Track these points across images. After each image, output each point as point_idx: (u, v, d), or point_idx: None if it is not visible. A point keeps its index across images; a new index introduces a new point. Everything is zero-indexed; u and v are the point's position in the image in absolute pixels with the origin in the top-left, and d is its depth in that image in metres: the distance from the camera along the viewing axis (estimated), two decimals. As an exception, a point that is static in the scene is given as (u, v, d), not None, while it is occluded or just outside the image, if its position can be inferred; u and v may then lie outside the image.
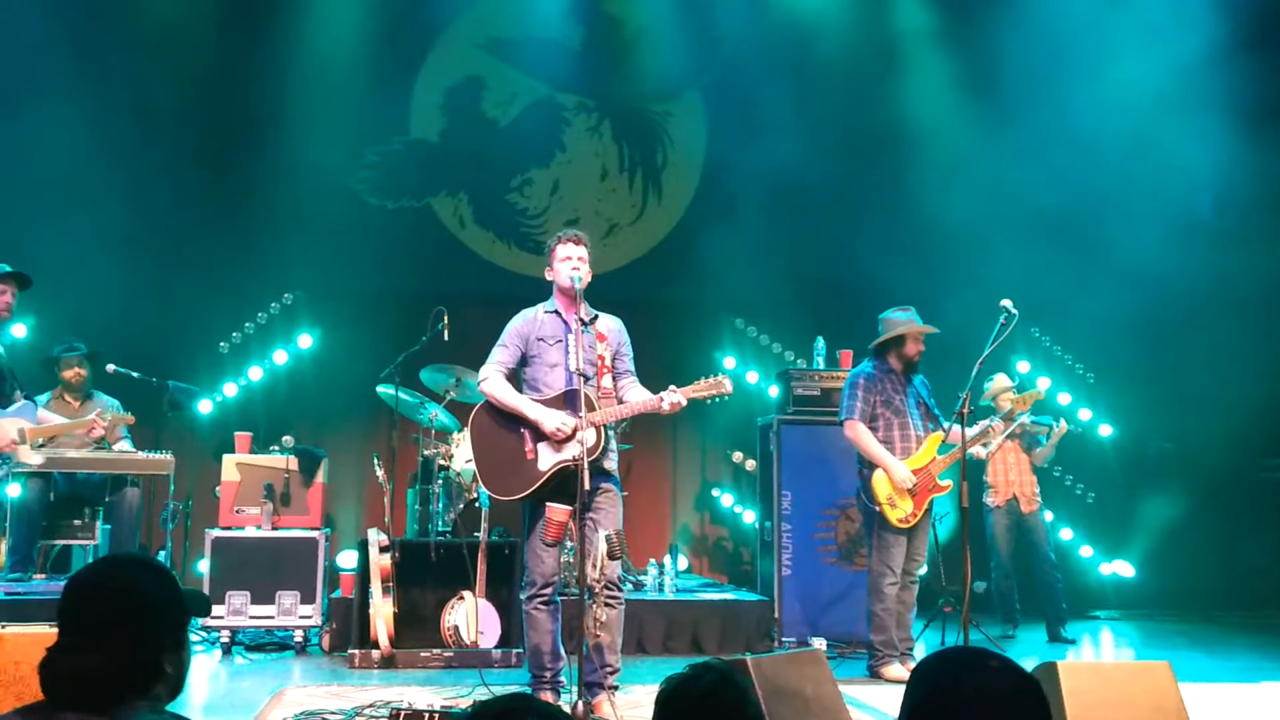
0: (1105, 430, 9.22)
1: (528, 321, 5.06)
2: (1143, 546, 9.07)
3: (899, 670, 5.89)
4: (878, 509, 5.93)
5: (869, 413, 6.04)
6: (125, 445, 7.04)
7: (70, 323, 7.60)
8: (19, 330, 8.08)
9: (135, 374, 7.14)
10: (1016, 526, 7.60)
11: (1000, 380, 7.60)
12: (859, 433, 6.02)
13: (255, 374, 8.58)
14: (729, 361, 9.03)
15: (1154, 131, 8.38)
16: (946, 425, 5.96)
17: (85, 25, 8.01)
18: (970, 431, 5.93)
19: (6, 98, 7.90)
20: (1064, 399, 9.12)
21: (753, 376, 9.07)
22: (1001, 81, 8.81)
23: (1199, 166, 8.60)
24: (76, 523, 6.86)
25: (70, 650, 2.01)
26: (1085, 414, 9.13)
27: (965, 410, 5.49)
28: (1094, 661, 6.79)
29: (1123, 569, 9.11)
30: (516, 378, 5.07)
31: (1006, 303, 5.49)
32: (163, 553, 7.20)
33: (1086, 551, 9.17)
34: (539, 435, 4.84)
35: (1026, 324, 8.49)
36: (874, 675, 5.97)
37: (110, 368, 7.10)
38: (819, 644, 6.73)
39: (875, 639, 5.99)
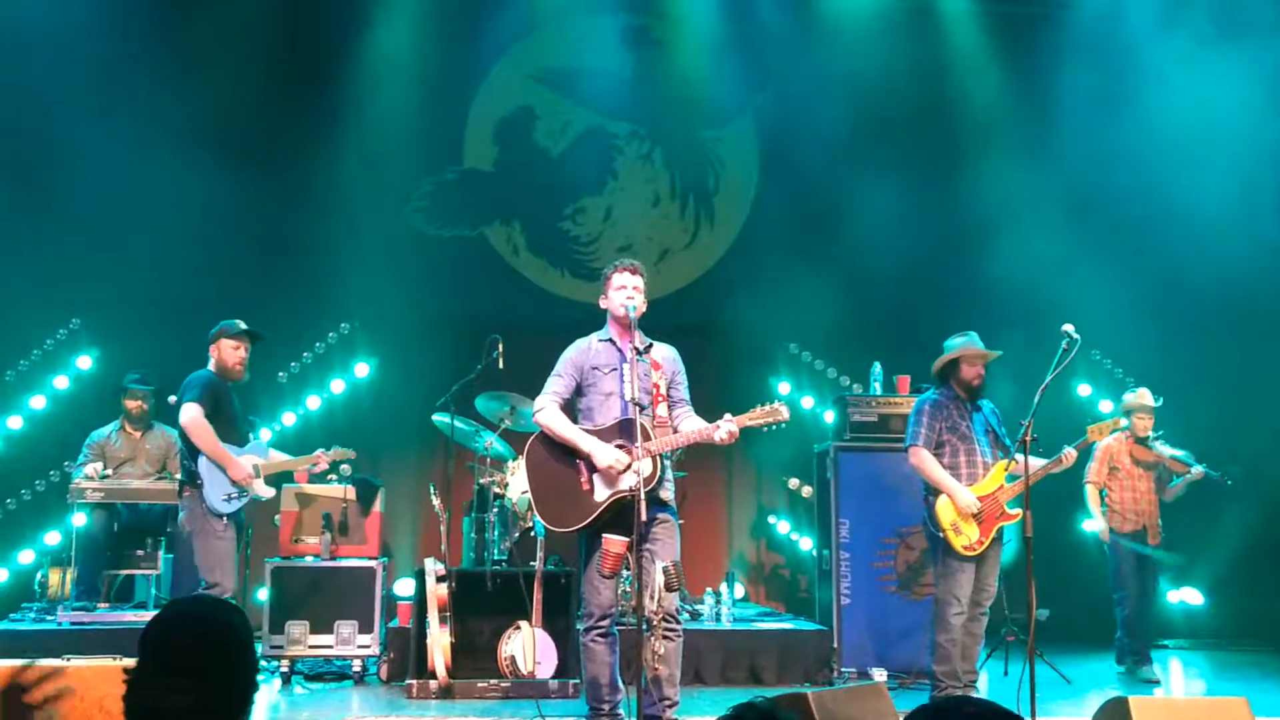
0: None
1: (582, 351, 5.06)
2: (1211, 573, 8.83)
3: None
4: (942, 535, 5.82)
5: (934, 439, 5.94)
6: (186, 476, 7.12)
7: (132, 354, 7.73)
8: (84, 362, 8.28)
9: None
10: (1141, 558, 7.32)
11: (1142, 395, 7.41)
12: (923, 459, 5.92)
13: (313, 403, 8.66)
14: (784, 387, 8.97)
15: (1215, 148, 8.21)
16: (1015, 454, 5.81)
17: (142, 55, 8.16)
18: (1039, 461, 5.82)
19: (72, 132, 8.05)
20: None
21: (808, 402, 9.00)
22: (1058, 101, 8.72)
23: (1261, 181, 8.43)
24: (139, 553, 6.97)
25: (159, 688, 2.03)
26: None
27: (1028, 438, 5.39)
28: (1167, 697, 6.61)
29: (1191, 596, 8.88)
30: (571, 407, 5.05)
31: (1069, 327, 5.40)
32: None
33: (1153, 579, 8.95)
34: (594, 466, 4.83)
35: (1087, 347, 8.37)
36: None
37: (172, 399, 7.18)
38: (879, 675, 6.64)
39: (938, 669, 5.86)
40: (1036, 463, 5.86)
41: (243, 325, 6.00)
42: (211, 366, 5.97)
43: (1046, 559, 7.30)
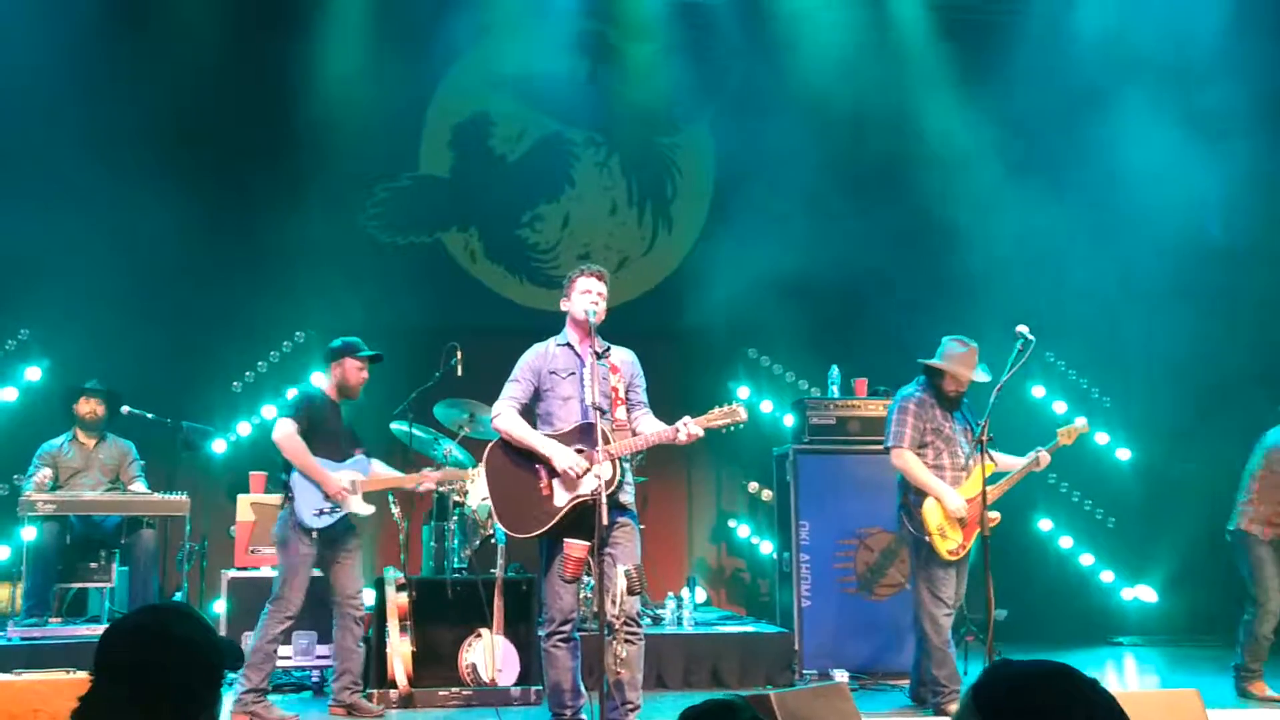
0: (1124, 454, 9.15)
1: (539, 355, 5.05)
2: (1165, 571, 8.96)
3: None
4: (927, 539, 5.70)
5: (918, 440, 5.82)
6: (140, 486, 7.03)
7: (84, 365, 7.62)
8: (33, 374, 8.13)
9: (150, 415, 7.17)
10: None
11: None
12: (908, 461, 5.77)
13: (269, 413, 8.56)
14: (743, 391, 8.99)
15: (1164, 155, 8.35)
16: (971, 454, 5.81)
17: (89, 64, 8.04)
18: (1020, 461, 5.83)
19: (14, 141, 7.93)
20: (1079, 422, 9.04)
21: (767, 406, 9.03)
22: (1013, 101, 8.81)
23: (1207, 188, 8.59)
24: (93, 565, 6.85)
25: (109, 702, 1.97)
26: (1103, 438, 9.06)
27: (984, 438, 5.44)
28: (1121, 691, 6.68)
29: (1145, 594, 9.01)
30: (530, 412, 5.05)
31: (1023, 328, 5.48)
32: (179, 594, 7.17)
33: (1108, 576, 9.08)
34: (554, 471, 4.82)
35: (1041, 348, 8.46)
36: (939, 713, 5.70)
37: (125, 409, 7.12)
38: (841, 675, 6.67)
39: (939, 674, 5.72)
40: (1013, 463, 5.89)
41: (367, 348, 5.98)
42: (323, 383, 5.95)
43: (1004, 559, 7.42)
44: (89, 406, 7.13)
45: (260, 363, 8.73)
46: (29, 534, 6.63)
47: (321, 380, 6.10)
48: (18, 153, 7.90)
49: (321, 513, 5.70)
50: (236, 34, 8.40)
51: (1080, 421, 6.04)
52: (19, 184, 7.90)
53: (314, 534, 5.70)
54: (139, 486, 7.01)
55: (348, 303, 8.44)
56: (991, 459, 5.77)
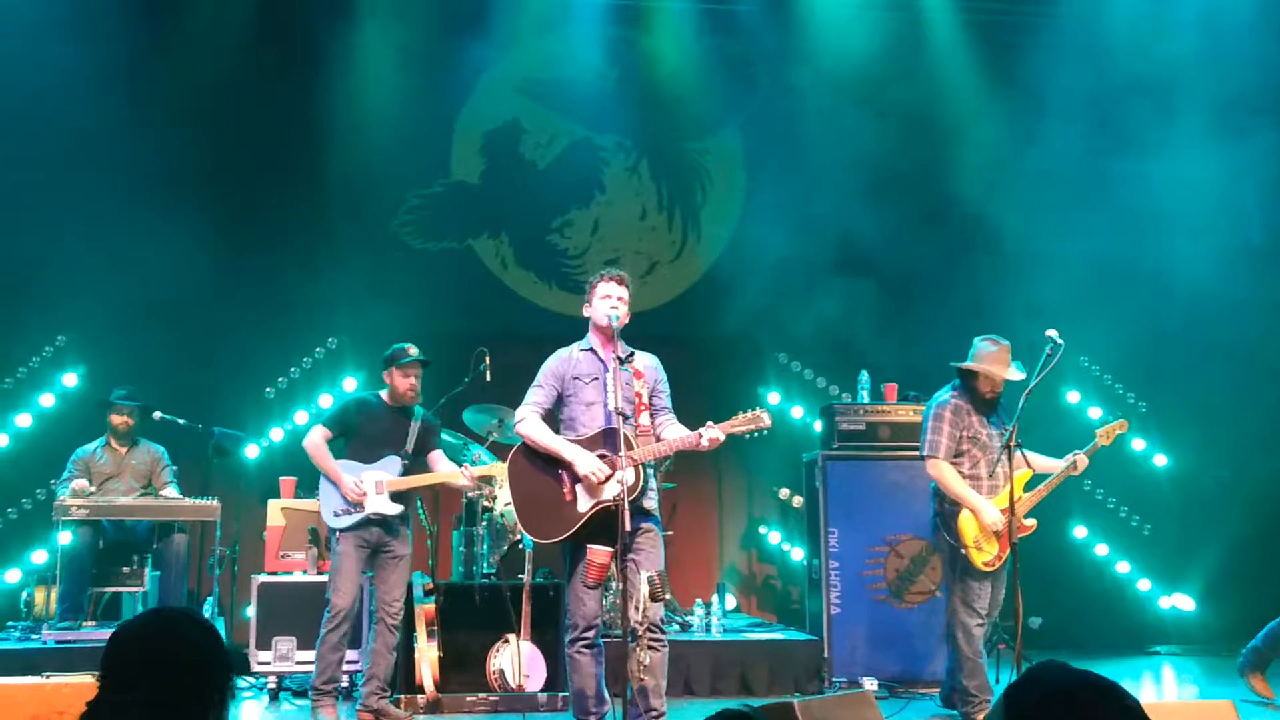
0: (1160, 460, 9.02)
1: (563, 360, 5.05)
2: (1202, 579, 8.81)
3: None
4: (964, 552, 5.58)
5: (954, 448, 5.70)
6: (172, 492, 7.10)
7: (119, 371, 7.71)
8: (70, 380, 8.25)
9: (181, 421, 7.23)
10: None
11: None
12: (943, 472, 5.66)
13: (301, 418, 8.62)
14: (773, 397, 8.95)
15: (1202, 156, 8.24)
16: (1000, 458, 5.66)
17: (122, 78, 8.14)
18: (1057, 464, 5.71)
19: (55, 148, 8.05)
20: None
21: (798, 412, 8.98)
22: (1046, 106, 8.72)
23: (1246, 190, 8.46)
24: (125, 570, 6.93)
25: (112, 705, 1.99)
26: (1139, 444, 8.94)
27: (1013, 443, 5.37)
28: (1156, 701, 6.59)
29: (1182, 603, 8.86)
30: (554, 418, 5.04)
31: (1052, 332, 5.41)
32: (210, 599, 7.23)
33: (1144, 585, 8.94)
34: (577, 476, 4.81)
35: (1075, 354, 8.37)
36: None
37: (156, 415, 7.19)
38: (870, 684, 6.61)
39: (969, 684, 5.61)
40: (1050, 465, 5.78)
41: (413, 353, 6.00)
42: (385, 392, 6.01)
43: (1038, 566, 7.32)
44: (120, 418, 7.21)
45: (293, 369, 8.79)
46: (64, 538, 6.71)
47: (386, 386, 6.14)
48: (55, 164, 8.02)
49: (339, 513, 5.79)
50: (270, 41, 8.51)
51: (1119, 421, 5.89)
52: (56, 195, 8.03)
53: (340, 535, 5.77)
54: (171, 492, 7.08)
55: (379, 309, 8.50)
56: (1027, 462, 5.63)
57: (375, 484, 5.80)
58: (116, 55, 8.09)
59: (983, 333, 5.92)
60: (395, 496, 5.83)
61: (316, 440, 5.92)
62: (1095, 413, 8.80)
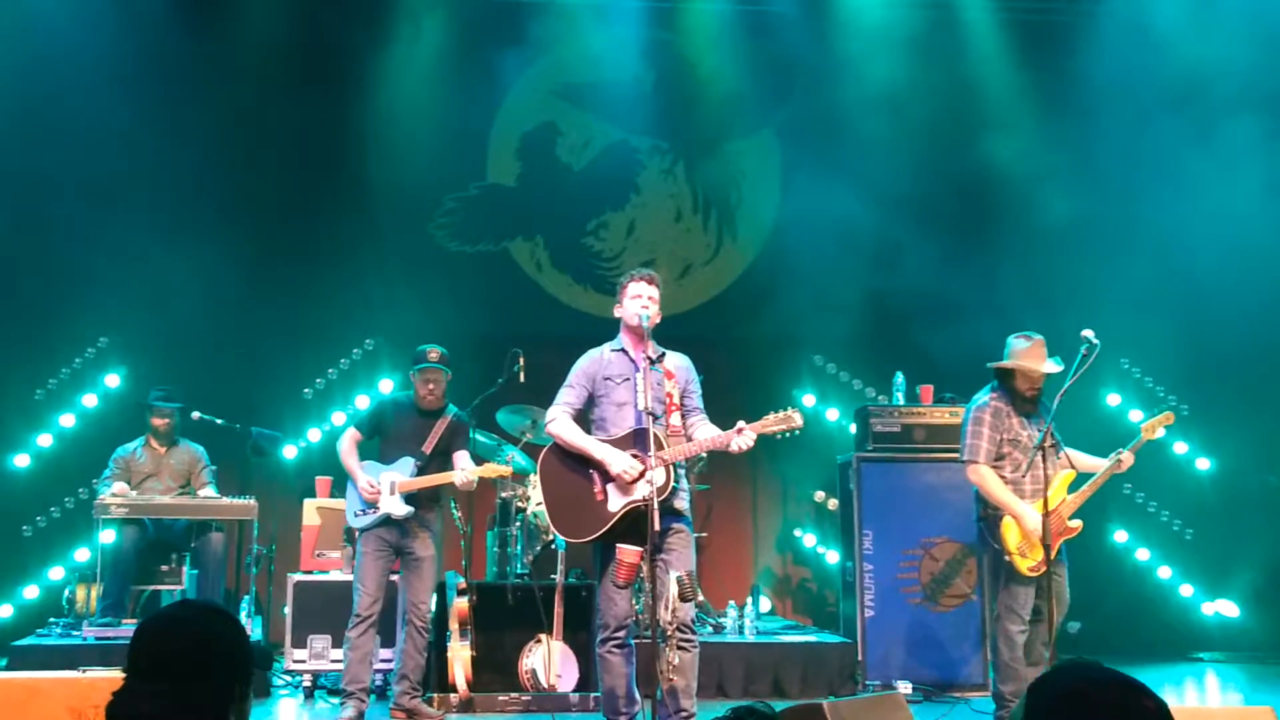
0: (1203, 464, 8.88)
1: (594, 361, 5.05)
2: (1247, 585, 8.67)
3: None
4: (1008, 558, 5.46)
5: (994, 452, 5.58)
6: (210, 491, 7.18)
7: (159, 372, 7.82)
8: (112, 380, 8.38)
9: (219, 420, 7.31)
10: None
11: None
12: (984, 477, 5.54)
13: (338, 419, 8.70)
14: (808, 399, 8.92)
15: (1243, 156, 8.11)
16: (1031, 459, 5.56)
17: (165, 85, 8.27)
18: (1101, 463, 5.58)
19: (100, 152, 8.17)
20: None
21: (833, 414, 8.94)
22: (1090, 108, 8.63)
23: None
24: (164, 568, 7.03)
25: (134, 694, 2.01)
26: (1181, 447, 8.81)
27: (1048, 444, 5.30)
28: (1197, 707, 6.50)
29: (1226, 609, 8.72)
30: (585, 418, 5.05)
31: (1088, 333, 5.31)
32: (247, 597, 7.30)
33: (1187, 590, 8.82)
34: (608, 476, 4.81)
35: (1115, 355, 8.26)
36: None
37: (196, 415, 7.28)
38: (904, 687, 6.56)
39: (1005, 689, 5.52)
40: (1094, 464, 5.66)
41: (430, 358, 6.02)
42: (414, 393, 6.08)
43: (1078, 570, 7.21)
44: (161, 420, 7.31)
45: (330, 369, 8.87)
46: (106, 537, 6.81)
47: None
48: (99, 171, 8.16)
49: (359, 513, 5.88)
50: (311, 48, 8.59)
51: (1165, 414, 5.68)
52: (100, 200, 8.15)
53: (361, 535, 5.87)
54: (209, 491, 7.16)
55: (416, 310, 8.56)
56: (1071, 463, 5.51)
57: (390, 484, 5.83)
58: (160, 63, 8.22)
59: (1018, 333, 5.84)
60: (409, 498, 5.83)
61: (345, 441, 6.04)
62: (1136, 415, 8.68)
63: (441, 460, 5.96)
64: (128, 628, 6.62)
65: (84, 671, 4.19)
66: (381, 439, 6.05)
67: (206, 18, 8.42)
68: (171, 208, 8.26)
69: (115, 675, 4.04)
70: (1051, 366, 5.59)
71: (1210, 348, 8.56)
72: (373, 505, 5.83)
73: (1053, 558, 5.38)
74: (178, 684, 1.97)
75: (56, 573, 8.04)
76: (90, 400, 8.40)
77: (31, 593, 8.10)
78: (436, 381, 6.00)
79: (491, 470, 6.00)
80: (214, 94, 8.38)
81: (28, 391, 8.40)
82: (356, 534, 5.96)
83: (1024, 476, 5.56)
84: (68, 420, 8.37)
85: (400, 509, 5.80)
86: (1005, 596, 5.54)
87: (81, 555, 7.70)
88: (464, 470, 5.88)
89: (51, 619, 7.23)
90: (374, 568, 5.80)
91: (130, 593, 6.99)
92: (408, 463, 5.89)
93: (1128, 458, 5.55)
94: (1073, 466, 5.53)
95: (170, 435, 7.34)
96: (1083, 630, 7.93)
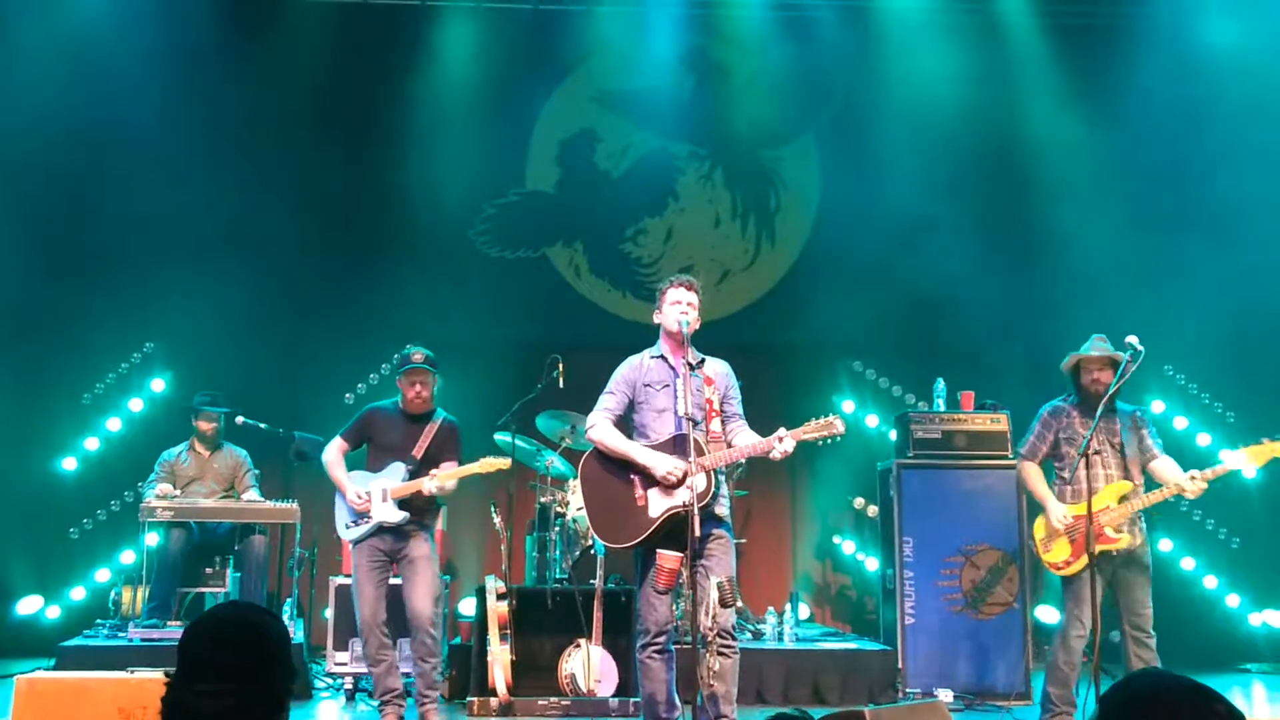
0: (1249, 472, 8.72)
1: (634, 368, 5.06)
2: (1297, 595, 8.53)
3: None
4: (1033, 548, 5.65)
5: (1041, 450, 5.68)
6: (254, 495, 7.25)
7: (205, 377, 7.91)
8: (158, 385, 8.49)
9: (263, 425, 7.40)
10: None
11: None
12: (1022, 470, 5.77)
13: (379, 424, 8.76)
14: (848, 405, 8.88)
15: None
16: (1074, 468, 5.51)
17: (209, 93, 8.39)
18: (1173, 477, 5.47)
19: (144, 158, 8.30)
20: (1203, 439, 8.67)
21: (872, 420, 8.90)
22: (1132, 113, 8.53)
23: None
24: (208, 571, 7.11)
25: (193, 694, 2.04)
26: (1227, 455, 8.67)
27: (1090, 451, 5.25)
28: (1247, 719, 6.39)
29: (1274, 619, 8.59)
30: (625, 424, 5.05)
31: (1132, 339, 5.27)
32: (289, 600, 7.37)
33: (1234, 600, 8.69)
34: (649, 481, 4.81)
35: (1159, 362, 8.16)
36: None
37: (240, 419, 7.37)
38: (945, 695, 6.52)
39: (1052, 691, 5.52)
40: (1167, 476, 5.52)
41: (414, 360, 5.93)
42: (401, 399, 6.00)
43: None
44: (208, 425, 7.38)
45: (371, 374, 8.95)
46: (152, 539, 6.90)
47: None
48: (147, 181, 8.29)
49: (349, 525, 5.78)
50: (353, 56, 8.70)
51: (1271, 443, 5.60)
52: (143, 204, 8.26)
53: (354, 548, 5.78)
54: (253, 495, 7.24)
55: (456, 316, 8.65)
56: (1154, 472, 5.50)
57: (381, 492, 5.72)
58: (205, 71, 8.34)
59: (1068, 343, 5.80)
60: (403, 504, 5.72)
61: (331, 452, 5.89)
62: (1181, 423, 8.59)
63: (433, 465, 5.81)
64: (173, 629, 6.71)
65: (132, 672, 4.25)
66: (370, 446, 5.90)
67: (258, 35, 8.53)
68: (219, 215, 8.38)
69: (163, 676, 4.10)
70: (1099, 349, 5.56)
71: (1256, 355, 8.44)
72: (364, 516, 5.71)
73: (1077, 564, 5.42)
74: (241, 685, 2.01)
75: (103, 575, 8.16)
76: (136, 405, 8.52)
77: (78, 594, 8.22)
78: (424, 383, 5.88)
79: (490, 465, 5.85)
80: (265, 106, 8.53)
81: (75, 396, 8.54)
82: (350, 547, 5.87)
83: (1069, 478, 5.55)
84: (114, 424, 8.50)
85: (394, 515, 5.69)
86: (1072, 598, 5.54)
87: (127, 558, 7.82)
88: (433, 478, 5.70)
89: (98, 620, 7.34)
90: (370, 580, 5.68)
91: (175, 595, 7.07)
92: (399, 468, 5.77)
93: (1195, 485, 5.40)
94: (1158, 476, 5.48)
95: (215, 439, 7.43)
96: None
